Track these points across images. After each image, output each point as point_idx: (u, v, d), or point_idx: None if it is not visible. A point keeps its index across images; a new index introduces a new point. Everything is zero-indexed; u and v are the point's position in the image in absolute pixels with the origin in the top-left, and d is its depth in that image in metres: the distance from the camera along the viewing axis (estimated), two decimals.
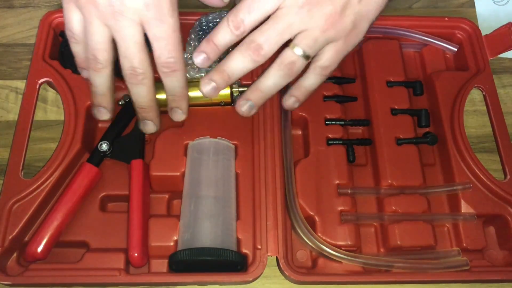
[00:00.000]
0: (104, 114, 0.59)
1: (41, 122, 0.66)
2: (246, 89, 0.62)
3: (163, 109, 0.63)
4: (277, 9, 0.51)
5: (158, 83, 0.56)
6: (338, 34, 0.52)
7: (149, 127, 0.59)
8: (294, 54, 0.53)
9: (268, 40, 0.52)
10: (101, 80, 0.55)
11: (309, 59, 0.54)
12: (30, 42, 0.72)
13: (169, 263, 0.55)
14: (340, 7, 0.51)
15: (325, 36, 0.52)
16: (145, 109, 0.57)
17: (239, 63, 0.54)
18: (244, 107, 0.59)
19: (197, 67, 0.63)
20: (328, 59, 0.54)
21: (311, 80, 0.57)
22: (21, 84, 0.69)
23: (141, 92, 0.55)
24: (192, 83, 0.62)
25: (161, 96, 0.60)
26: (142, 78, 0.53)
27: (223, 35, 0.53)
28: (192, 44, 0.65)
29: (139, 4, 0.49)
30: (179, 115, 0.59)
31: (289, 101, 0.59)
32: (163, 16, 0.51)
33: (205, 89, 0.56)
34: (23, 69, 0.70)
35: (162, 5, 0.50)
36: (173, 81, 0.55)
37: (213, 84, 0.56)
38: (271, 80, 0.55)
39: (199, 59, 0.55)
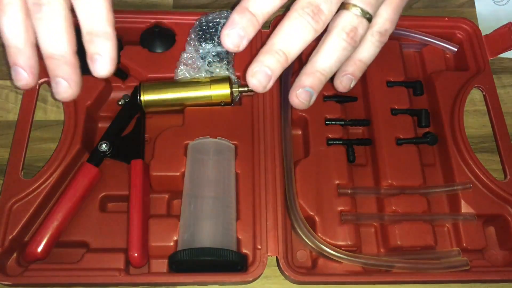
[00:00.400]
0: (22, 78, 0.43)
1: (41, 122, 0.66)
2: (246, 88, 0.62)
3: (164, 109, 0.63)
4: None
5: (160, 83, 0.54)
6: None
7: (62, 88, 0.43)
8: (354, 16, 0.43)
9: (326, 1, 0.41)
10: (8, 21, 0.41)
11: (371, 21, 0.45)
12: None
13: (169, 263, 0.55)
14: None
15: None
16: (55, 59, 0.42)
17: (298, 35, 0.42)
18: (301, 96, 0.45)
19: (197, 66, 0.63)
20: (387, 20, 0.46)
21: (370, 51, 0.48)
22: None
23: (47, 30, 0.41)
24: (192, 83, 0.62)
25: (162, 96, 0.61)
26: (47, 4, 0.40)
27: None
28: (192, 44, 0.65)
29: None
30: (99, 65, 0.43)
31: (345, 81, 0.49)
32: None
33: (257, 80, 0.43)
34: None
35: None
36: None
37: (266, 70, 0.43)
38: (333, 56, 0.44)
39: (231, 38, 0.43)
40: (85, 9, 0.41)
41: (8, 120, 0.67)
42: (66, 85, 0.42)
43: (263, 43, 0.67)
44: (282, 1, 0.43)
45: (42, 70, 0.63)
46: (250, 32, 0.44)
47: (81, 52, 0.65)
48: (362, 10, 0.43)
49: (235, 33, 0.43)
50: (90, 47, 0.42)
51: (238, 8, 0.43)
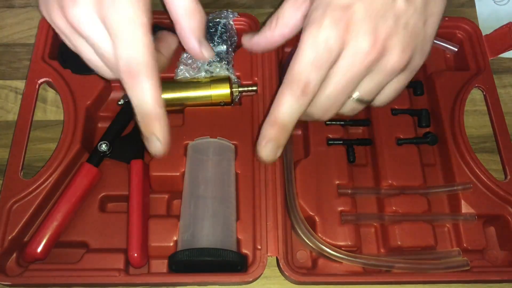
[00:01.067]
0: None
1: (41, 122, 0.66)
2: (246, 88, 0.63)
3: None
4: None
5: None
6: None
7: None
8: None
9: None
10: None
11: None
12: (30, 42, 0.72)
13: (169, 263, 0.55)
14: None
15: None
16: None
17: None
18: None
19: (196, 66, 0.63)
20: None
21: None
22: (20, 84, 0.69)
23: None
24: (192, 83, 0.62)
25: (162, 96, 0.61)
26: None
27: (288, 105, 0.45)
28: None
29: None
30: (155, 145, 0.47)
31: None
32: (116, 3, 0.42)
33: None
34: (22, 69, 0.70)
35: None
36: (137, 93, 0.44)
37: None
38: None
39: (268, 150, 0.47)
40: (132, 93, 0.44)
41: (8, 120, 0.67)
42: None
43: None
44: (304, 106, 0.45)
45: (42, 70, 0.63)
46: (284, 142, 0.47)
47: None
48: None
49: (270, 147, 0.47)
50: (143, 128, 0.46)
51: (268, 119, 0.47)
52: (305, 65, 0.44)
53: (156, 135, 0.46)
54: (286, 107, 0.46)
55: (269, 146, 0.47)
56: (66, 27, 0.46)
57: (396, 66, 0.46)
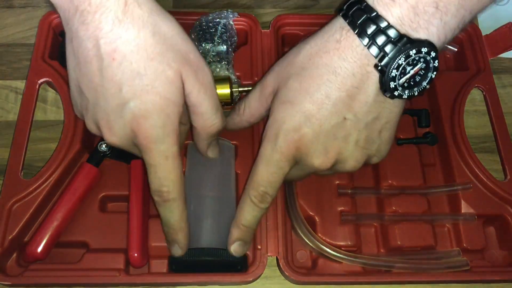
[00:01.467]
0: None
1: (41, 122, 0.66)
2: (246, 88, 0.62)
3: None
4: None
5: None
6: None
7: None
8: None
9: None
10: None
11: None
12: (30, 42, 0.72)
13: (169, 263, 0.55)
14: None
15: None
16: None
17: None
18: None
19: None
20: None
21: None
22: (21, 84, 0.69)
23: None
24: None
25: None
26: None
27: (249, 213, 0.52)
28: None
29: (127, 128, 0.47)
30: (176, 250, 0.53)
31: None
32: (150, 143, 0.46)
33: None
34: (23, 69, 0.70)
35: (150, 132, 0.46)
36: (166, 212, 0.50)
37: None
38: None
39: (236, 247, 0.52)
40: (162, 211, 0.51)
41: (8, 120, 0.67)
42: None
43: (262, 43, 0.68)
44: (263, 210, 0.52)
45: (42, 70, 0.63)
46: (249, 239, 0.54)
47: None
48: None
49: (237, 245, 0.53)
50: (167, 236, 0.53)
51: (234, 223, 0.53)
52: (261, 180, 0.50)
53: (178, 243, 0.52)
54: (248, 213, 0.52)
55: (236, 244, 0.53)
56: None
57: (349, 170, 0.51)
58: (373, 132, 0.49)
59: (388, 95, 0.45)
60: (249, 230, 0.53)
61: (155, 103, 0.45)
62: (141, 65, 0.44)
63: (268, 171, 0.49)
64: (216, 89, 0.50)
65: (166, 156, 0.47)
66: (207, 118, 0.50)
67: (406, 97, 0.46)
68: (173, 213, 0.50)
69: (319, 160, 0.48)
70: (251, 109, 0.55)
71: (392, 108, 0.48)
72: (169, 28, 0.46)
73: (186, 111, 0.50)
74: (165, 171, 0.48)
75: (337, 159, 0.49)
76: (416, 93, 0.46)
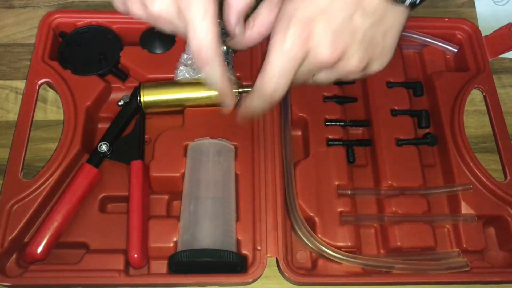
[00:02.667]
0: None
1: (41, 122, 0.66)
2: (246, 89, 0.63)
3: (164, 110, 0.63)
4: None
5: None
6: None
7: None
8: None
9: None
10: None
11: None
12: (30, 42, 0.72)
13: (168, 264, 0.55)
14: None
15: None
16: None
17: None
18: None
19: (197, 67, 0.63)
20: None
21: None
22: (21, 84, 0.69)
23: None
24: (192, 83, 0.62)
25: (162, 96, 0.61)
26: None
27: None
28: None
29: None
30: (225, 110, 0.57)
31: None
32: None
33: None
34: (23, 69, 0.70)
35: None
36: (207, 72, 0.52)
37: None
38: None
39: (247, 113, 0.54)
40: (206, 72, 0.52)
41: (8, 120, 0.67)
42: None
43: (262, 44, 0.67)
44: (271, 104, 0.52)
45: (42, 70, 0.63)
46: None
47: (83, 53, 0.66)
48: None
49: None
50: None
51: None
52: (274, 70, 0.49)
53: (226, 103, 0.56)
54: (255, 101, 0.52)
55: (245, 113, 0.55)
56: (146, 17, 0.52)
57: (352, 70, 0.51)
58: (377, 34, 0.50)
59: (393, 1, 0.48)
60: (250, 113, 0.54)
61: None
62: None
63: (281, 60, 0.49)
64: None
65: (205, 17, 0.48)
66: None
67: (408, 3, 0.48)
68: (217, 71, 0.52)
69: (327, 51, 0.49)
70: (260, 19, 0.54)
71: (396, 15, 0.50)
72: None
73: None
74: (204, 32, 0.49)
75: (343, 54, 0.49)
76: (417, 2, 0.49)
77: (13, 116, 0.66)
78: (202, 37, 0.49)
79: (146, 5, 0.50)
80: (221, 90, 0.54)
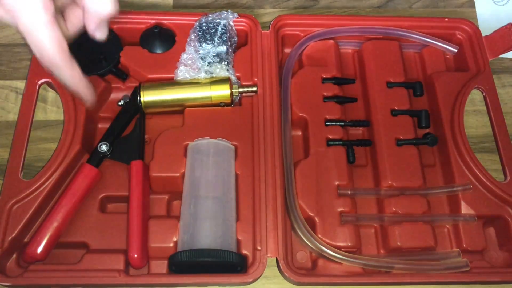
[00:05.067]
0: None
1: (41, 122, 0.66)
2: (246, 89, 0.63)
3: (164, 110, 0.63)
4: None
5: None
6: None
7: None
8: None
9: None
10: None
11: None
12: None
13: (169, 264, 0.55)
14: None
15: None
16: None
17: None
18: None
19: (197, 67, 0.63)
20: None
21: None
22: (21, 84, 0.69)
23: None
24: (192, 83, 0.62)
25: (162, 96, 0.61)
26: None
27: None
28: (192, 45, 0.65)
29: None
30: (85, 102, 0.55)
31: None
32: (16, 12, 0.45)
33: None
34: (23, 69, 0.70)
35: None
36: (59, 76, 0.51)
37: None
38: None
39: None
40: (59, 77, 0.51)
41: (8, 120, 0.67)
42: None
43: (262, 44, 0.68)
44: None
45: (42, 70, 0.63)
46: None
47: (83, 53, 0.65)
48: None
49: None
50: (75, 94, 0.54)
51: None
52: None
53: (83, 96, 0.54)
54: None
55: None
56: None
57: None
58: None
59: None
60: None
61: None
62: None
63: None
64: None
65: (38, 25, 0.45)
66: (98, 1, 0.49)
67: None
68: (65, 77, 0.50)
69: None
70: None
71: None
72: None
73: None
74: (39, 40, 0.46)
75: None
76: None
77: (13, 116, 0.66)
78: (44, 45, 0.47)
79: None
80: (75, 90, 0.53)
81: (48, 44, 0.47)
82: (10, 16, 0.46)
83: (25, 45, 0.70)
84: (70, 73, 0.50)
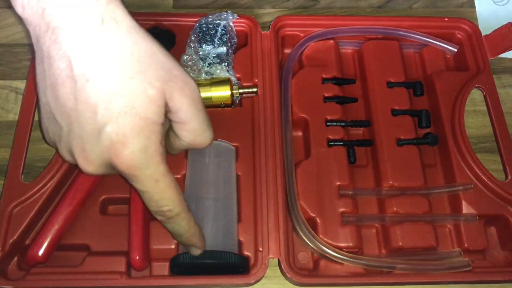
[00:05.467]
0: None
1: None
2: (246, 90, 0.63)
3: None
4: None
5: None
6: None
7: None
8: None
9: None
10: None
11: None
12: (30, 42, 0.72)
13: (170, 266, 0.55)
14: None
15: None
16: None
17: None
18: None
19: (197, 68, 0.63)
20: None
21: None
22: (21, 84, 0.69)
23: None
24: None
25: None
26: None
27: None
28: (192, 46, 0.65)
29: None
30: (194, 251, 0.52)
31: None
32: (134, 171, 0.42)
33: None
34: (23, 69, 0.70)
35: (131, 158, 0.41)
36: (174, 226, 0.48)
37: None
38: None
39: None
40: (170, 227, 0.48)
41: (8, 120, 0.66)
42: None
43: (262, 45, 0.68)
44: None
45: None
46: None
47: None
48: None
49: None
50: (184, 243, 0.52)
51: None
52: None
53: (195, 246, 0.51)
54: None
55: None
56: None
57: None
58: None
59: None
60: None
61: (133, 124, 0.40)
62: (119, 85, 0.40)
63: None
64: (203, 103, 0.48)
65: (156, 180, 0.43)
66: (199, 134, 0.47)
67: None
68: (181, 225, 0.48)
69: None
70: None
71: None
72: (149, 45, 0.43)
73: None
74: (159, 193, 0.44)
75: None
76: None
77: (13, 116, 0.66)
78: (160, 199, 0.45)
79: (79, 164, 0.44)
80: (188, 239, 0.50)
81: (169, 194, 0.45)
82: (125, 174, 0.43)
83: (25, 45, 0.71)
84: (187, 222, 0.48)
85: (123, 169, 0.42)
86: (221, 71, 0.63)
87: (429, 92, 0.68)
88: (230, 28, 0.66)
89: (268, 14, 0.76)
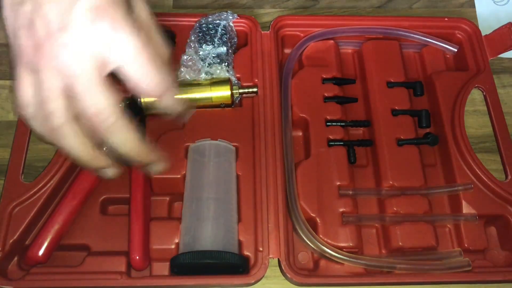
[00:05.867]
0: (108, 173, 0.49)
1: None
2: (246, 90, 0.63)
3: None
4: None
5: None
6: None
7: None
8: None
9: None
10: (70, 142, 0.44)
11: None
12: None
13: (170, 266, 0.55)
14: None
15: None
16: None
17: None
18: None
19: (197, 68, 0.63)
20: None
21: None
22: None
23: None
24: (192, 85, 0.62)
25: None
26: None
27: None
28: (192, 46, 0.65)
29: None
30: (156, 167, 0.51)
31: None
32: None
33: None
34: None
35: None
36: (116, 139, 0.44)
37: None
38: None
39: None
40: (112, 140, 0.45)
41: (8, 120, 0.66)
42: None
43: (262, 45, 0.68)
44: None
45: None
46: None
47: None
48: None
49: None
50: (139, 161, 0.50)
51: None
52: None
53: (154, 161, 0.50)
54: None
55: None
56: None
57: None
58: None
59: None
60: None
61: None
62: None
63: None
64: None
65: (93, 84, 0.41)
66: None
67: None
68: (125, 137, 0.45)
69: None
70: None
71: None
72: None
73: None
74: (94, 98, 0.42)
75: None
76: None
77: (13, 116, 0.66)
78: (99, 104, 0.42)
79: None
80: (142, 156, 0.48)
81: (102, 102, 0.42)
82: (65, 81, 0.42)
83: None
84: (126, 136, 0.45)
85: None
86: (221, 71, 0.63)
87: (429, 92, 0.68)
88: (230, 28, 0.66)
89: (268, 14, 0.76)
